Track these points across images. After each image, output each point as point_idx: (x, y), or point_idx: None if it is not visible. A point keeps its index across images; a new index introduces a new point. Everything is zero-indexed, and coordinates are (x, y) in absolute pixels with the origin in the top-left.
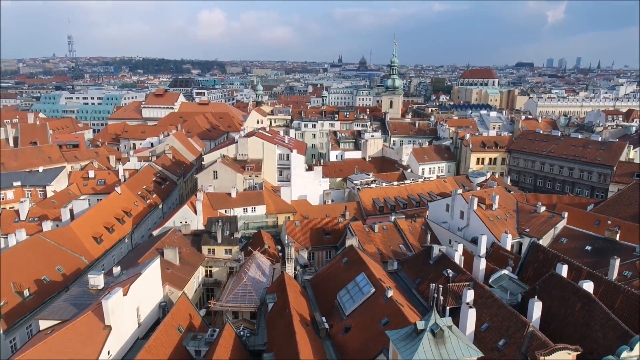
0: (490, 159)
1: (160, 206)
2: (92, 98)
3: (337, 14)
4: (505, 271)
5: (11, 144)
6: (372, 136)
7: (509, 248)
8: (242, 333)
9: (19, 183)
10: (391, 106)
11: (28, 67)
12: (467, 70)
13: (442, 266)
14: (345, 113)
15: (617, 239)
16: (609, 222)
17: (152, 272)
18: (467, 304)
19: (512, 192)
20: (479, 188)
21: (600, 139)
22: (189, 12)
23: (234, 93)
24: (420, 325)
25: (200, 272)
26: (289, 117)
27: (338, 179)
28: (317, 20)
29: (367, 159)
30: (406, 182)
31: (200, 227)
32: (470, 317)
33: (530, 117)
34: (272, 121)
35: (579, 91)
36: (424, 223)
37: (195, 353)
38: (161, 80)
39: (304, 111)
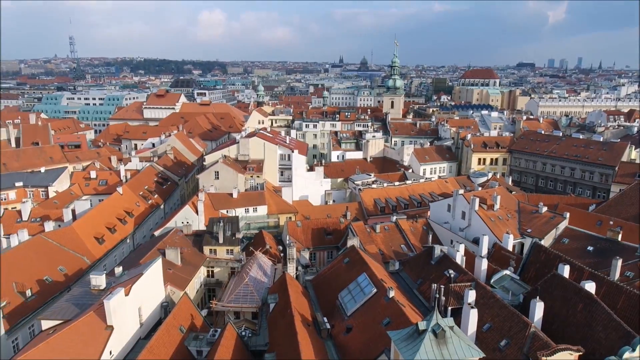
0: (491, 159)
1: (161, 206)
2: (94, 98)
3: (337, 15)
4: (506, 271)
5: (13, 144)
6: (374, 136)
7: (510, 248)
8: (243, 333)
9: (21, 183)
10: (392, 106)
11: (30, 68)
12: (468, 70)
13: (444, 266)
14: (347, 113)
15: (619, 239)
16: (611, 222)
17: (154, 273)
18: (469, 304)
19: (513, 193)
20: (480, 188)
21: (601, 140)
22: (189, 13)
23: (235, 93)
24: (422, 325)
25: (202, 273)
26: (290, 118)
27: (339, 180)
28: (317, 20)
29: (369, 160)
30: (407, 182)
31: (202, 227)
32: (472, 318)
33: (531, 117)
34: (274, 121)
35: (581, 91)
36: (426, 223)
37: (197, 353)
38: (162, 81)
39: (305, 111)
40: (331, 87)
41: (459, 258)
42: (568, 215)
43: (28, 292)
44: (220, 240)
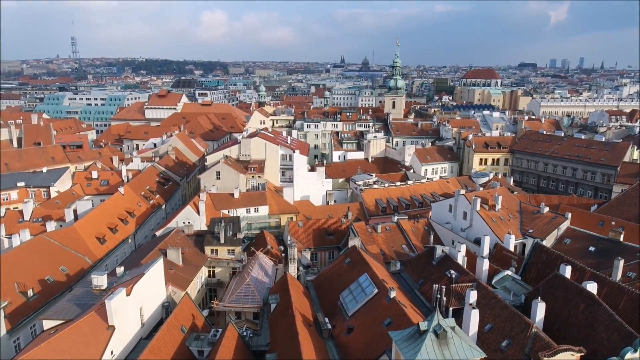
0: (493, 159)
1: (163, 207)
2: (96, 99)
3: (338, 15)
4: (508, 272)
5: (15, 144)
6: (375, 137)
7: (512, 249)
8: (244, 333)
9: (22, 183)
10: (394, 107)
11: (31, 68)
12: (469, 70)
13: (445, 267)
14: (348, 114)
15: (621, 239)
16: (613, 222)
17: (155, 273)
18: (470, 304)
19: (515, 193)
20: (482, 189)
21: (603, 140)
22: (191, 13)
23: (236, 94)
24: (423, 326)
25: (203, 273)
26: (292, 118)
27: (341, 180)
28: (318, 20)
29: (370, 160)
30: (409, 182)
31: (203, 227)
32: (473, 318)
33: (533, 117)
34: (275, 122)
35: (582, 91)
36: (427, 224)
37: (198, 353)
38: (164, 81)
39: (307, 112)
40: (332, 87)
41: (461, 258)
42: (570, 215)
43: (30, 292)
44: (222, 241)
